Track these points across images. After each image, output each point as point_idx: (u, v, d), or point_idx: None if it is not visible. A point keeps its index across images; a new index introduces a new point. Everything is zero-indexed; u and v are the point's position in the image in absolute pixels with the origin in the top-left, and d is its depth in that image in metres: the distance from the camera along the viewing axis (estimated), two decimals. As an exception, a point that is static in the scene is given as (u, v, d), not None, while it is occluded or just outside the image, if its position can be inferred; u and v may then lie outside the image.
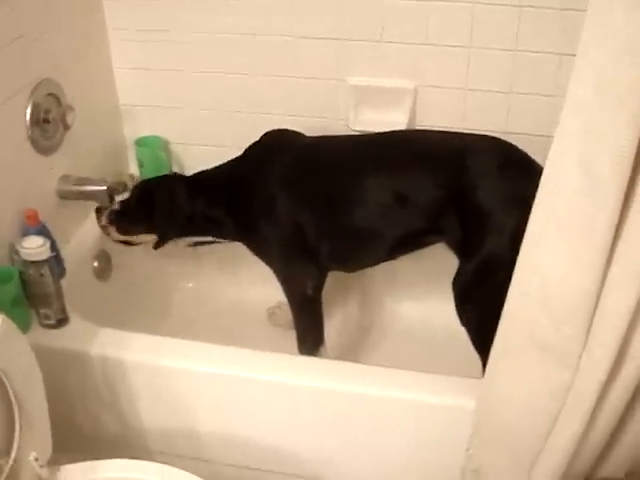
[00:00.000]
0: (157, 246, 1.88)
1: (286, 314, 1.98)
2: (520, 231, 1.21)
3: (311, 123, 1.99)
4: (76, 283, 1.82)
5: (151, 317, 2.10)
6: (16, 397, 1.23)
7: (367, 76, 1.95)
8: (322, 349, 1.85)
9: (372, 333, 2.16)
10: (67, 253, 1.85)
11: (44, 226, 1.72)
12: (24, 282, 1.59)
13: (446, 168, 1.61)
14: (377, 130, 1.87)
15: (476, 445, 1.51)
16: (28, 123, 1.71)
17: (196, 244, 2.01)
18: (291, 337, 1.87)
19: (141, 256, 2.08)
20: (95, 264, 1.99)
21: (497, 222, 1.56)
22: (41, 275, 1.59)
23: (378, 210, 1.66)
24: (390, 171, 1.67)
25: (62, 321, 1.67)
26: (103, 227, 1.90)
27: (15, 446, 1.24)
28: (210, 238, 1.95)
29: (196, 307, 2.24)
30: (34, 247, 1.55)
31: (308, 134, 1.89)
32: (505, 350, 1.36)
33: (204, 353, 1.63)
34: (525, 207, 1.19)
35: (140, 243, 1.92)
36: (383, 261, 1.78)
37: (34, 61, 1.72)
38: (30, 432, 1.26)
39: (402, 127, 1.94)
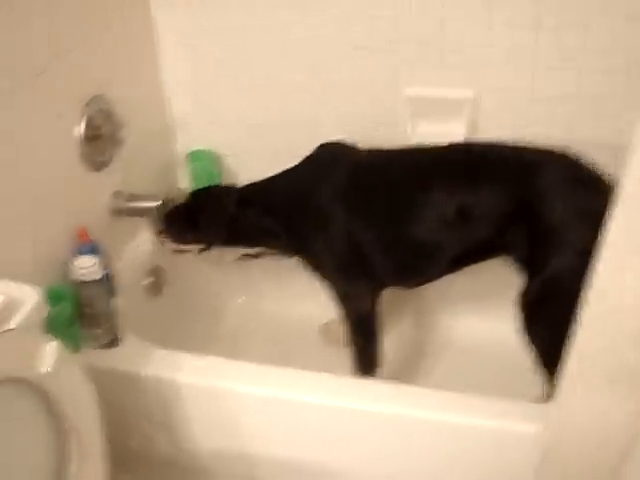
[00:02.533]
0: (201, 251, 1.86)
1: (339, 331, 1.93)
2: (590, 248, 1.14)
3: (367, 135, 1.93)
4: (128, 300, 1.80)
5: (202, 333, 2.09)
6: (72, 428, 1.19)
7: (424, 86, 1.88)
8: (378, 370, 1.79)
9: (427, 350, 2.08)
10: (119, 270, 1.83)
11: (96, 244, 1.70)
12: (76, 302, 1.56)
13: (513, 182, 1.54)
14: (435, 142, 1.81)
15: (545, 473, 1.42)
16: (80, 139, 1.69)
17: (245, 256, 1.97)
18: (345, 356, 1.81)
19: (193, 271, 2.05)
20: (147, 281, 1.96)
21: (566, 239, 1.49)
22: (93, 295, 1.56)
23: (441, 225, 1.59)
24: (453, 185, 1.60)
25: (114, 341, 1.64)
26: (158, 233, 1.89)
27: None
28: (259, 249, 1.90)
29: (247, 322, 2.21)
30: (86, 267, 1.53)
31: (364, 146, 1.84)
32: (578, 376, 1.28)
33: (258, 375, 1.58)
34: (595, 223, 1.12)
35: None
36: (444, 275, 1.72)
37: (85, 76, 1.70)
38: (85, 465, 1.23)
39: (460, 138, 1.87)
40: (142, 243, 1.97)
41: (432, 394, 1.53)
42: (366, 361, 1.78)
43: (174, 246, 1.90)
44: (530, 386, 1.59)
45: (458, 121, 1.88)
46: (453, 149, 1.69)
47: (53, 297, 1.47)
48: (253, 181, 1.87)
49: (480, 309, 2.07)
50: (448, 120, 1.89)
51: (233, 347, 2.08)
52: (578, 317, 1.19)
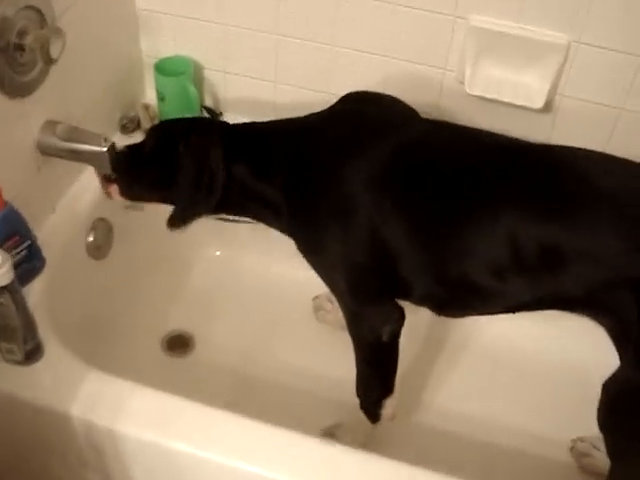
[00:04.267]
0: (173, 225, 1.31)
1: (337, 312, 1.46)
2: None
3: (409, 70, 1.43)
4: (63, 267, 1.34)
5: (160, 301, 1.64)
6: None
7: (499, 17, 1.31)
8: (389, 400, 1.35)
9: (444, 349, 1.65)
10: (51, 226, 1.38)
11: (11, 210, 1.18)
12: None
13: (632, 224, 1.04)
14: (499, 96, 1.32)
15: None
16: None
17: (221, 219, 1.46)
18: (341, 338, 1.36)
19: (151, 221, 1.53)
20: (90, 238, 1.45)
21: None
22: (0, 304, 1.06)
23: (511, 259, 1.10)
24: (541, 210, 1.09)
25: (32, 354, 1.17)
26: (105, 182, 1.36)
27: None
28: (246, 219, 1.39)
29: (223, 283, 1.73)
30: (-12, 269, 1.02)
31: (403, 81, 1.41)
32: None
33: (232, 432, 1.12)
34: None
35: None
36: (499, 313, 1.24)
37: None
38: None
39: (539, 97, 1.34)
40: (85, 187, 1.45)
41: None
42: (375, 392, 1.35)
43: (127, 203, 1.38)
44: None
45: (540, 73, 1.33)
46: (548, 156, 1.15)
47: None
48: (248, 121, 1.33)
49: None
50: (526, 69, 1.34)
51: (200, 322, 1.64)
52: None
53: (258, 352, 1.59)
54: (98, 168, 1.32)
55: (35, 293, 1.26)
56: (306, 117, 1.29)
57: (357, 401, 1.37)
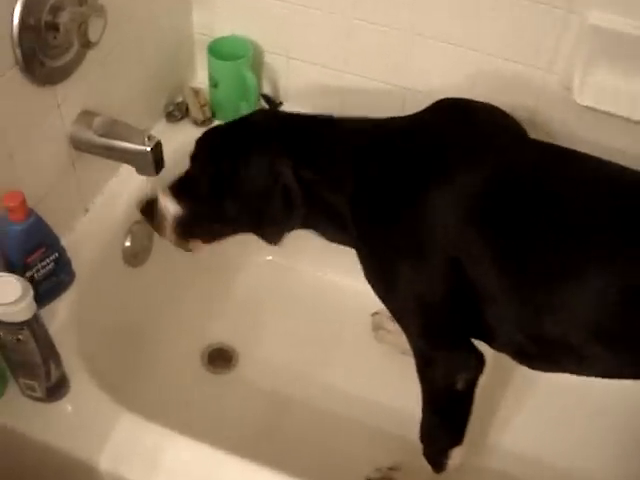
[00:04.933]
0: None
1: (400, 333, 1.26)
2: None
3: (503, 68, 1.23)
4: (95, 277, 1.19)
5: (202, 311, 1.48)
6: None
7: (625, 15, 1.09)
8: (457, 450, 1.17)
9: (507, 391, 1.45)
10: (83, 229, 1.22)
11: (36, 219, 1.01)
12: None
13: None
14: (615, 109, 1.13)
15: None
16: (18, 28, 0.94)
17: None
18: (403, 363, 1.22)
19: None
20: (127, 243, 1.29)
21: None
22: (18, 340, 0.90)
23: (616, 320, 0.91)
24: None
25: (55, 390, 1.01)
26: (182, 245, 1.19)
27: None
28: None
29: (269, 296, 1.55)
30: (6, 303, 0.86)
31: (494, 81, 1.22)
32: None
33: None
34: None
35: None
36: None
37: None
38: None
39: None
40: (119, 187, 1.28)
41: None
42: (443, 442, 1.17)
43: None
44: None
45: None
46: None
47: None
48: (316, 113, 1.14)
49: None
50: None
51: (249, 327, 1.50)
52: None
53: (306, 372, 1.44)
54: (139, 170, 1.14)
55: (61, 310, 1.12)
56: (386, 121, 1.10)
57: (419, 442, 1.19)
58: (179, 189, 1.11)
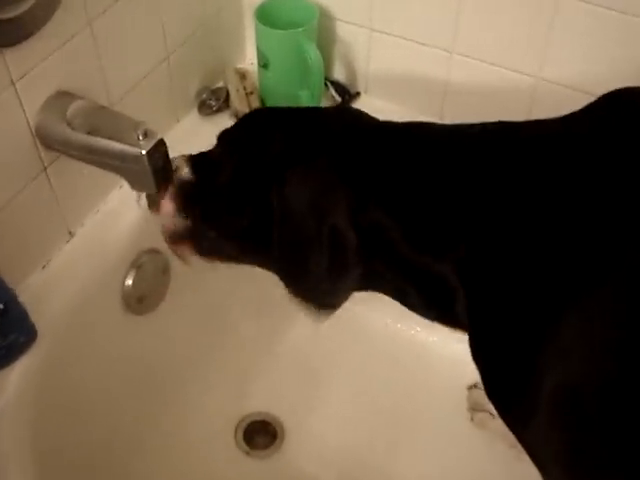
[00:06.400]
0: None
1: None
2: None
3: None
4: (77, 332, 0.90)
5: (236, 374, 1.18)
6: None
7: None
8: None
9: None
10: (65, 260, 0.89)
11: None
12: None
13: None
14: None
15: None
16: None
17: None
18: (505, 457, 1.01)
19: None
20: (128, 282, 0.93)
21: None
22: None
23: None
24: None
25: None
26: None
27: None
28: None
29: (326, 354, 1.23)
30: None
31: None
32: None
33: None
34: None
35: None
36: None
37: None
38: None
39: None
40: (120, 202, 0.94)
41: None
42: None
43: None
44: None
45: None
46: None
47: None
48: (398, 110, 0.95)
49: None
50: None
51: (297, 394, 1.20)
52: None
53: (372, 460, 1.14)
54: (132, 182, 0.77)
55: (10, 384, 0.76)
56: (526, 128, 0.70)
57: None
58: (197, 164, 0.78)
